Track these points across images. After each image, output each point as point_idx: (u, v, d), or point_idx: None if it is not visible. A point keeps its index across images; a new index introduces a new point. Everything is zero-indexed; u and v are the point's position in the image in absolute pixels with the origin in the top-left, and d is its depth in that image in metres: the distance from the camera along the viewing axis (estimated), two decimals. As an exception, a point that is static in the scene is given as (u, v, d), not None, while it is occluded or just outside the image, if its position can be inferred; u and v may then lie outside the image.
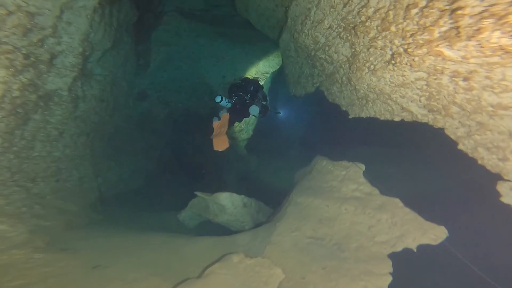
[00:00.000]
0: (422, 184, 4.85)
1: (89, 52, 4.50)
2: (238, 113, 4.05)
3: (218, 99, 3.83)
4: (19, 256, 2.83)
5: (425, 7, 1.46)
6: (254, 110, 3.99)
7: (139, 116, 8.08)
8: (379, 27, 2.09)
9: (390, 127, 3.64)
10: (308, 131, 11.78)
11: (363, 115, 3.59)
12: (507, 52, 1.19)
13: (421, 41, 1.58)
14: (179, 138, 9.57)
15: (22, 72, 3.11)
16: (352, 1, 2.40)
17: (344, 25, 2.78)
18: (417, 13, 1.55)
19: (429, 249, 2.88)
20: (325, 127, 10.00)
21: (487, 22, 1.12)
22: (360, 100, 3.45)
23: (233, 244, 3.76)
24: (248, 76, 8.12)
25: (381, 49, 2.22)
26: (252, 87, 4.13)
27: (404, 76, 2.06)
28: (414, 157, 5.60)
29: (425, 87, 1.97)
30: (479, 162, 2.03)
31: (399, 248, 3.17)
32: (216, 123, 3.87)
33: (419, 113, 2.37)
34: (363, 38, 2.45)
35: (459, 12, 1.21)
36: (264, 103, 4.34)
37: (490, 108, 1.61)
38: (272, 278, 2.97)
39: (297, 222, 3.97)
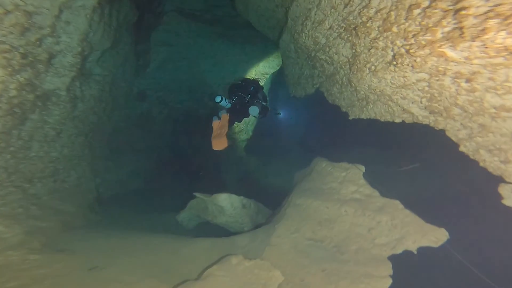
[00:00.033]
0: (423, 186, 4.84)
1: (88, 52, 4.47)
2: (237, 113, 4.04)
3: (218, 99, 3.81)
4: (15, 257, 2.79)
5: (427, 7, 1.45)
6: (254, 110, 3.98)
7: (138, 117, 8.05)
8: (380, 28, 2.07)
9: (390, 128, 3.62)
10: (308, 132, 11.78)
11: (363, 116, 3.58)
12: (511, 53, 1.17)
13: (423, 42, 1.56)
14: (178, 139, 9.54)
15: (19, 72, 3.07)
16: (353, 1, 2.38)
17: (345, 25, 2.76)
18: (419, 14, 1.54)
19: (430, 252, 2.86)
20: (325, 128, 10.00)
21: (492, 22, 1.11)
22: (361, 101, 3.43)
23: (232, 246, 3.74)
24: (248, 77, 8.10)
25: (382, 50, 2.20)
26: (252, 88, 4.11)
27: (405, 77, 2.04)
28: (414, 159, 5.59)
29: (426, 88, 1.95)
30: (481, 164, 2.01)
31: (399, 251, 3.15)
32: (215, 123, 3.85)
33: (420, 115, 2.35)
34: (364, 39, 2.44)
35: (463, 12, 1.20)
36: (264, 103, 4.32)
37: (493, 110, 1.59)
38: (271, 281, 2.95)
39: (296, 224, 3.95)
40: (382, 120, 3.20)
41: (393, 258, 3.09)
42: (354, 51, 2.84)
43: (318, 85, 4.67)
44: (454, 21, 1.29)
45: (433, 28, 1.44)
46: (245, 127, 9.69)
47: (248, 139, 10.12)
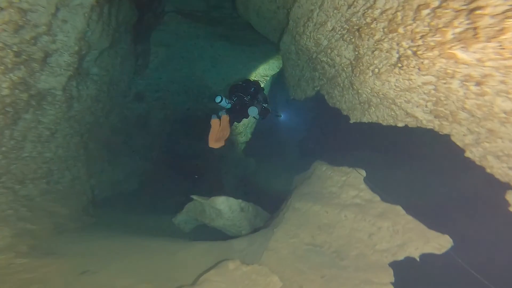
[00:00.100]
0: (425, 191, 4.78)
1: (85, 51, 4.40)
2: (237, 113, 4.00)
3: (218, 99, 3.78)
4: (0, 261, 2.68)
5: (438, 7, 1.39)
6: (253, 111, 3.94)
7: (136, 117, 7.97)
8: (385, 29, 2.02)
9: (393, 132, 3.57)
10: (308, 135, 11.75)
11: (365, 120, 3.52)
12: (527, 55, 1.11)
13: (432, 43, 1.51)
14: (176, 140, 9.46)
15: (12, 70, 2.99)
16: (357, 2, 2.33)
17: (348, 27, 2.71)
18: (428, 14, 1.48)
19: (433, 259, 2.79)
20: (325, 131, 9.97)
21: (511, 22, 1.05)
22: (362, 104, 3.38)
23: (229, 250, 3.67)
24: (249, 78, 8.04)
25: (386, 52, 2.15)
26: (253, 89, 4.07)
27: (410, 80, 1.98)
28: (417, 163, 5.54)
29: (432, 91, 1.90)
30: (488, 170, 1.95)
31: (400, 257, 3.08)
32: (214, 121, 3.81)
33: (425, 119, 2.30)
34: (368, 40, 2.38)
35: (478, 12, 1.14)
36: (265, 105, 4.28)
37: (503, 115, 1.54)
38: (269, 287, 2.87)
39: (295, 228, 3.89)
40: (384, 124, 3.15)
41: (394, 265, 3.03)
42: (357, 53, 2.79)
43: (318, 87, 4.62)
44: (468, 21, 1.23)
45: (444, 29, 1.38)
46: (244, 129, 9.63)
47: (247, 141, 10.06)
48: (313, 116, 11.52)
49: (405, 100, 2.34)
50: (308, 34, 3.68)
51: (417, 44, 1.65)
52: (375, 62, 2.43)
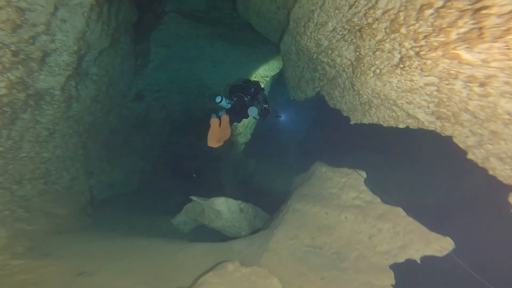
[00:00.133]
0: (426, 193, 4.76)
1: (85, 51, 4.37)
2: (237, 114, 3.99)
3: (218, 99, 3.78)
4: (-5, 262, 2.65)
5: (441, 7, 1.37)
6: (253, 111, 3.93)
7: (135, 117, 7.93)
8: (387, 29, 2.00)
9: (393, 134, 3.55)
10: (308, 136, 11.73)
11: (365, 121, 3.50)
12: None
13: (435, 44, 1.49)
14: (176, 140, 9.43)
15: (10, 70, 2.96)
16: (358, 2, 2.32)
17: (349, 27, 2.69)
18: (431, 14, 1.46)
19: (434, 261, 2.77)
20: (325, 132, 9.95)
21: (519, 21, 1.02)
22: (363, 105, 3.36)
23: (229, 251, 3.65)
24: (249, 79, 8.02)
25: (388, 52, 2.13)
26: (253, 89, 4.06)
27: (412, 81, 1.96)
28: (418, 165, 5.52)
29: (435, 92, 1.88)
30: (490, 172, 1.93)
31: (401, 259, 3.06)
32: (214, 120, 3.80)
33: (426, 120, 2.28)
34: (369, 41, 2.36)
35: (484, 11, 1.12)
36: (265, 106, 4.26)
37: (507, 116, 1.52)
38: (269, 289, 2.85)
39: (295, 230, 3.87)
40: (385, 125, 3.13)
41: (395, 267, 3.01)
42: (358, 53, 2.77)
43: (319, 88, 4.61)
44: (473, 21, 1.21)
45: (447, 29, 1.36)
46: (244, 130, 9.61)
47: (246, 142, 10.03)
48: (313, 117, 11.50)
49: (406, 101, 2.32)
50: (309, 34, 3.66)
51: (420, 44, 1.63)
52: (377, 62, 2.41)
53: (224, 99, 3.84)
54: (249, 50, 8.01)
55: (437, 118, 2.14)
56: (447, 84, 1.68)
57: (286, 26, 4.49)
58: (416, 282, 3.28)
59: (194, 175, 8.88)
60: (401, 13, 1.78)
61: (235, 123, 4.54)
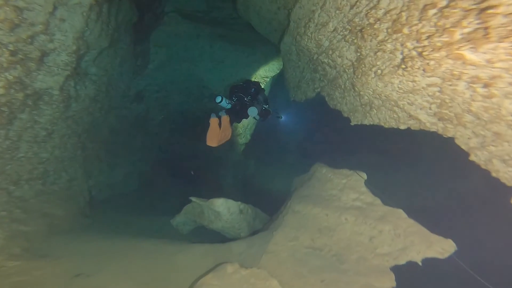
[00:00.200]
0: (427, 195, 4.73)
1: (84, 50, 4.34)
2: (237, 114, 3.98)
3: (218, 99, 3.78)
4: (-10, 264, 2.61)
5: (445, 7, 1.35)
6: (253, 111, 3.91)
7: (135, 118, 7.90)
8: (389, 29, 1.98)
9: (394, 135, 3.53)
10: (308, 137, 11.70)
11: (366, 122, 3.48)
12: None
13: (439, 44, 1.47)
14: (176, 141, 9.40)
15: (8, 69, 2.93)
16: (360, 2, 2.30)
17: (350, 27, 2.67)
18: (435, 14, 1.44)
19: (436, 263, 2.75)
20: (325, 133, 9.92)
21: (527, 20, 1.00)
22: (364, 106, 3.34)
23: (228, 253, 3.63)
24: (250, 79, 8.00)
25: (390, 53, 2.11)
26: (253, 89, 4.05)
27: (414, 81, 1.94)
28: (419, 166, 5.49)
29: (437, 93, 1.86)
30: (493, 174, 1.91)
31: (402, 261, 3.04)
32: (213, 120, 3.80)
33: (428, 121, 2.26)
34: (371, 41, 2.35)
35: (490, 11, 1.10)
36: (265, 106, 4.25)
37: (510, 118, 1.50)
38: (268, 291, 2.82)
39: (295, 231, 3.85)
40: (386, 126, 3.11)
41: (396, 269, 2.98)
42: (359, 54, 2.75)
43: (319, 89, 4.59)
44: (478, 21, 1.19)
45: (451, 29, 1.34)
46: (243, 131, 9.58)
47: (246, 143, 10.01)
48: (313, 118, 11.47)
49: (408, 102, 2.30)
50: (309, 35, 3.64)
51: (422, 44, 1.61)
52: (378, 63, 2.39)
53: (224, 99, 3.83)
54: (249, 50, 8.00)
55: (439, 119, 2.11)
56: (450, 85, 1.66)
57: (287, 26, 4.48)
58: (417, 285, 3.26)
59: (192, 172, 8.84)
60: (403, 13, 1.76)
61: (235, 124, 4.53)
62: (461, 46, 1.32)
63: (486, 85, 1.44)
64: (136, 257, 3.34)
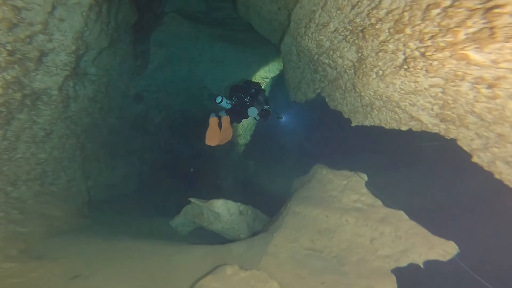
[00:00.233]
0: (430, 197, 4.70)
1: (83, 51, 4.32)
2: (237, 114, 3.97)
3: (218, 99, 3.78)
4: (-14, 265, 2.58)
5: (449, 6, 1.33)
6: (253, 111, 3.91)
7: (134, 118, 7.87)
8: (391, 30, 1.96)
9: (396, 136, 3.51)
10: (308, 138, 11.68)
11: (367, 123, 3.46)
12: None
13: (442, 44, 1.44)
14: (175, 142, 9.37)
15: (5, 69, 2.90)
16: (361, 2, 2.28)
17: (351, 28, 2.65)
18: (438, 14, 1.42)
19: (438, 265, 2.72)
20: (325, 134, 9.90)
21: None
22: (365, 107, 3.32)
23: (227, 254, 3.60)
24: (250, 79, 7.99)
25: (392, 53, 2.09)
26: (254, 90, 4.04)
27: (417, 82, 1.92)
28: (420, 167, 5.46)
29: (440, 94, 1.84)
30: (496, 176, 1.89)
31: (403, 263, 3.02)
32: (213, 119, 3.81)
33: (430, 123, 2.24)
34: (372, 41, 2.33)
35: (496, 10, 1.08)
36: (266, 107, 4.24)
37: (515, 119, 1.48)
38: (268, 293, 2.79)
39: (295, 233, 3.82)
40: (387, 127, 3.09)
41: (397, 271, 2.95)
42: (360, 54, 2.73)
43: (319, 90, 4.57)
44: (483, 21, 1.17)
45: (455, 29, 1.32)
46: (243, 131, 9.56)
47: (246, 144, 9.99)
48: (314, 119, 11.45)
49: (410, 103, 2.28)
50: (310, 35, 3.62)
51: (425, 45, 1.59)
52: (379, 64, 2.37)
53: (224, 99, 3.83)
54: (249, 51, 7.98)
55: (441, 121, 2.09)
56: (453, 86, 1.64)
57: (287, 27, 4.46)
58: (418, 287, 3.23)
59: (192, 170, 8.81)
60: (405, 13, 1.74)
61: (235, 124, 4.52)
62: (466, 46, 1.30)
63: (490, 86, 1.42)
64: (134, 258, 3.31)
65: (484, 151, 1.86)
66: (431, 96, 1.94)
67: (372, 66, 2.50)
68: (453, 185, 4.71)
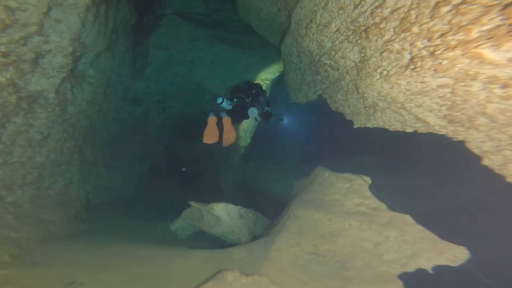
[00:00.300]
0: (437, 200, 4.61)
1: (80, 52, 4.26)
2: (238, 115, 3.93)
3: (219, 100, 3.77)
4: (-23, 273, 2.49)
5: (461, 3, 1.27)
6: (253, 112, 3.87)
7: (133, 121, 7.81)
8: (396, 29, 1.89)
9: (400, 138, 3.43)
10: (309, 140, 11.61)
11: (369, 125, 3.39)
12: None
13: (453, 42, 1.38)
14: (175, 144, 9.31)
15: (0, 71, 2.84)
16: (364, 1, 2.22)
17: (353, 28, 2.59)
18: (449, 11, 1.36)
19: (447, 271, 2.63)
20: (327, 136, 9.82)
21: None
22: (368, 109, 3.25)
23: (228, 259, 3.53)
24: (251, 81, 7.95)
25: (397, 53, 2.02)
26: (254, 91, 4.00)
27: (424, 82, 1.85)
28: (426, 170, 5.36)
29: (448, 95, 1.77)
30: (509, 180, 1.82)
31: (410, 268, 2.93)
32: (211, 118, 3.78)
33: (437, 124, 2.16)
34: (376, 41, 2.26)
35: (516, 6, 1.02)
36: (267, 108, 4.20)
37: (529, 121, 1.41)
38: (269, 299, 2.72)
39: (296, 237, 3.74)
40: (391, 129, 3.02)
41: (404, 277, 2.87)
42: (363, 55, 2.67)
43: (321, 91, 4.50)
44: (501, 17, 1.11)
45: (468, 27, 1.25)
46: (244, 134, 9.50)
47: (246, 146, 9.92)
48: (315, 120, 11.38)
49: (416, 104, 2.21)
50: (311, 36, 3.56)
51: (434, 43, 1.52)
52: (384, 64, 2.30)
53: (225, 100, 3.79)
54: (249, 52, 7.93)
55: (449, 122, 2.02)
56: (463, 86, 1.57)
57: (287, 28, 4.41)
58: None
59: (184, 169, 8.72)
60: (412, 11, 1.67)
61: (236, 125, 4.48)
62: (480, 44, 1.24)
63: (504, 86, 1.35)
64: (132, 264, 3.23)
65: (496, 153, 1.79)
66: (439, 96, 1.87)
67: (376, 67, 2.43)
68: (461, 188, 4.62)
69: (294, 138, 11.92)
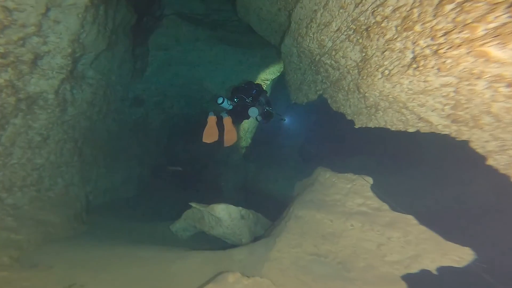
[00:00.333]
0: (439, 200, 4.57)
1: (80, 53, 4.24)
2: (238, 115, 3.92)
3: (219, 100, 3.76)
4: (-23, 275, 2.48)
5: (465, 1, 1.24)
6: (253, 112, 3.85)
7: (133, 122, 7.79)
8: (398, 27, 1.87)
9: (402, 137, 3.40)
10: (309, 141, 11.58)
11: (371, 125, 3.37)
12: None
13: (458, 41, 1.35)
14: (175, 145, 9.29)
15: (-2, 72, 2.82)
16: (365, 0, 2.19)
17: (354, 27, 2.57)
18: (453, 9, 1.33)
19: (452, 272, 2.60)
20: (328, 137, 9.79)
21: None
22: (369, 108, 3.23)
23: (229, 260, 3.51)
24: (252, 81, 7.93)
25: (399, 52, 1.99)
26: (255, 91, 3.98)
27: (427, 81, 1.83)
28: (428, 170, 5.33)
29: (452, 94, 1.74)
30: (513, 180, 1.79)
31: (414, 270, 2.90)
32: (211, 118, 3.78)
33: (440, 124, 2.14)
34: (377, 40, 2.24)
35: (524, 2, 0.99)
36: (268, 108, 4.18)
37: (535, 120, 1.38)
38: (271, 302, 2.69)
39: (298, 238, 3.72)
40: (392, 129, 2.99)
41: (407, 278, 2.84)
42: (364, 54, 2.64)
43: (321, 91, 4.48)
44: (508, 15, 1.08)
45: (473, 24, 1.23)
46: (244, 134, 9.47)
47: (246, 146, 9.90)
48: (315, 120, 11.36)
49: (418, 104, 2.19)
50: (311, 35, 3.54)
51: (438, 42, 1.50)
52: (385, 63, 2.28)
53: (225, 100, 3.77)
54: (249, 53, 7.91)
55: (452, 122, 2.00)
56: (468, 85, 1.55)
57: (287, 28, 4.38)
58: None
59: (180, 169, 8.69)
60: (415, 10, 1.65)
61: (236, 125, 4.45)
62: (486, 42, 1.21)
63: (510, 85, 1.33)
64: (132, 265, 3.21)
65: (501, 153, 1.77)
66: (442, 96, 1.84)
67: (377, 66, 2.41)
68: (464, 187, 4.58)
69: (295, 138, 11.89)
